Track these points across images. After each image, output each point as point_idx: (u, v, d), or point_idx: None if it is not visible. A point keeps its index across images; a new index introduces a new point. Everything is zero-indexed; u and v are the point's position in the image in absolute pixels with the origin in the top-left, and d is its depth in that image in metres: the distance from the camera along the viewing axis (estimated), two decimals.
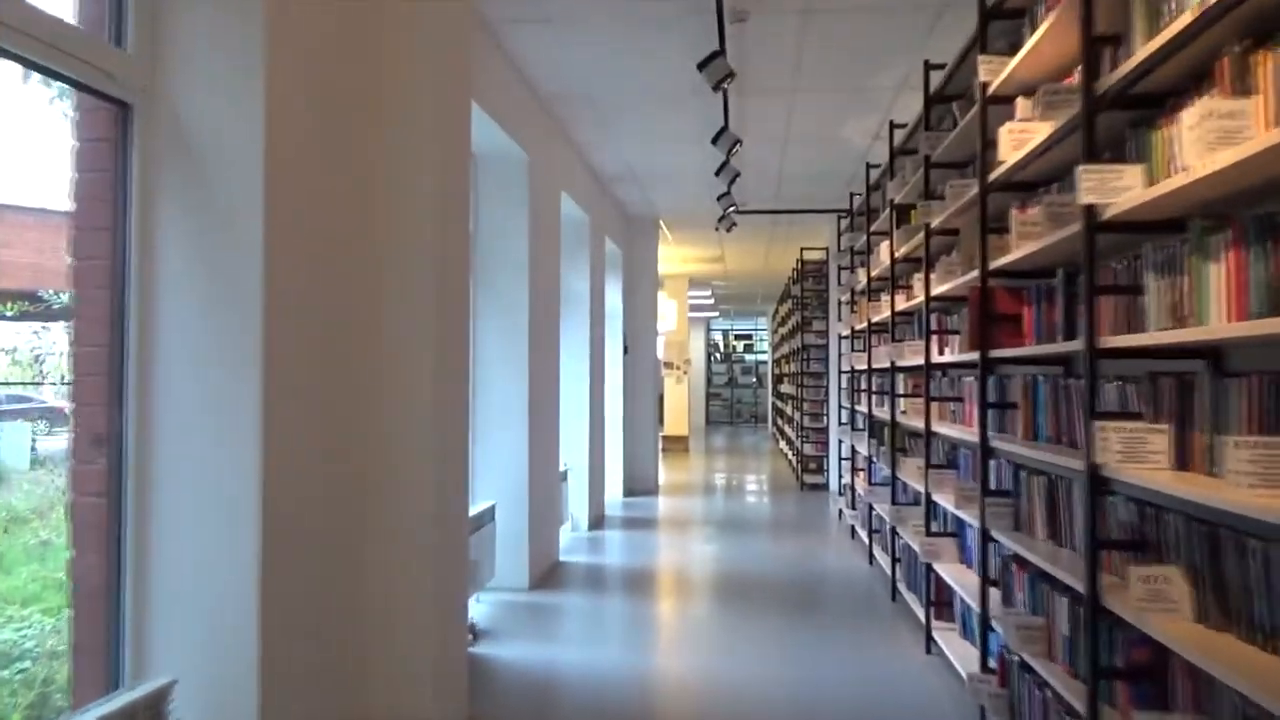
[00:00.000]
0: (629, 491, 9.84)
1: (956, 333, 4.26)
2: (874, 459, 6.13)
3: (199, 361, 2.48)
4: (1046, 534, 2.98)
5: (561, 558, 6.47)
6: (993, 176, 3.28)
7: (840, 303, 8.31)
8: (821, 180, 8.04)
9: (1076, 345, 2.45)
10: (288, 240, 2.63)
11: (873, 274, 6.20)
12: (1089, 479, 2.33)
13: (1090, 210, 2.32)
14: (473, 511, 4.90)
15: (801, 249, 10.59)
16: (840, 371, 8.29)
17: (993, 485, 3.41)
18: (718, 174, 6.35)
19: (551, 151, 6.16)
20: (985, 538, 3.34)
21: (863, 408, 6.87)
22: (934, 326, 4.44)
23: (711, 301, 19.29)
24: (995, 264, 3.27)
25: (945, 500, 4.08)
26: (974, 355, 3.51)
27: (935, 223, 4.23)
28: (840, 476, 8.23)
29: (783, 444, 15.14)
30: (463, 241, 3.76)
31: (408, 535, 3.15)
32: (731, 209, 7.49)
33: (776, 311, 17.48)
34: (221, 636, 2.45)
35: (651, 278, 10.31)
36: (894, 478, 5.31)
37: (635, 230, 10.13)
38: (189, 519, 2.46)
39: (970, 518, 3.60)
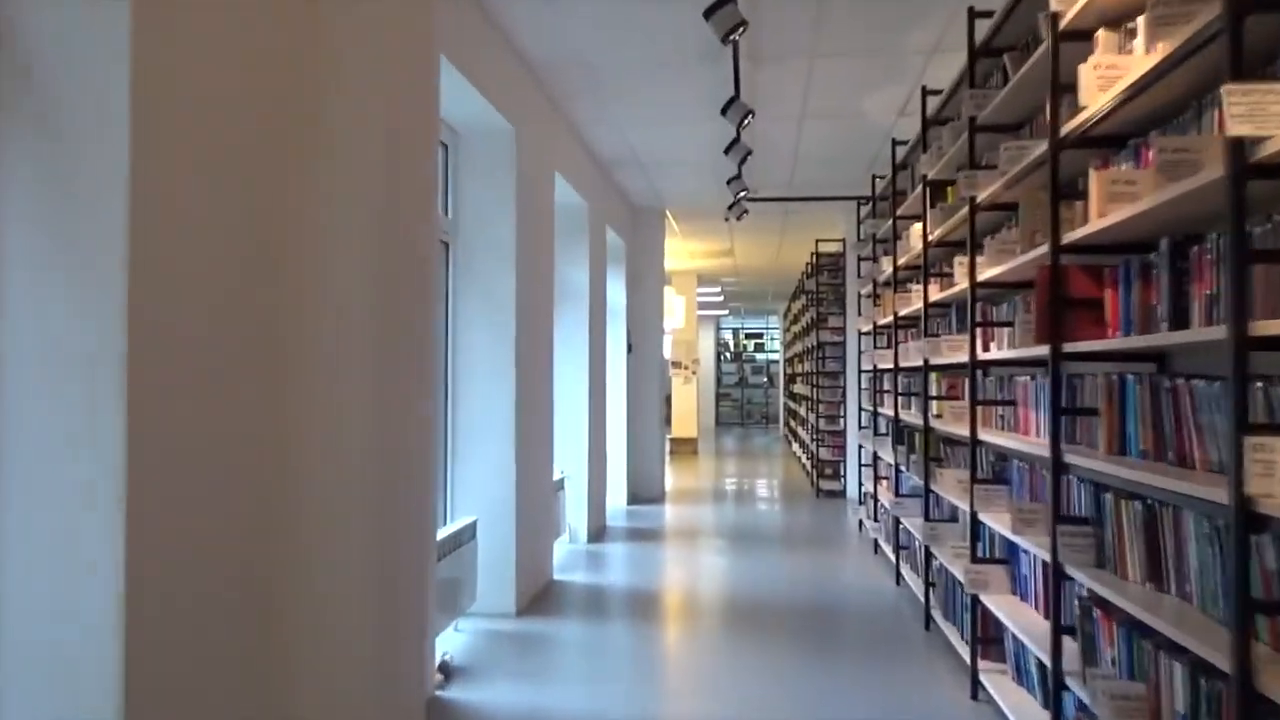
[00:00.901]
0: (634, 499, 9.24)
1: (1007, 324, 3.64)
2: (902, 468, 5.52)
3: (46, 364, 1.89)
4: (1144, 575, 2.37)
5: (556, 575, 5.87)
6: (1068, 129, 2.66)
7: (860, 296, 7.70)
8: (840, 164, 7.42)
9: (1215, 333, 1.83)
10: (167, 218, 2.03)
11: (900, 262, 5.58)
12: (1238, 515, 1.71)
13: (1238, 147, 1.70)
14: (447, 530, 4.31)
15: (816, 240, 9.97)
16: (860, 371, 7.68)
17: (1065, 508, 2.79)
18: (727, 152, 5.74)
19: (542, 126, 5.56)
20: (1058, 575, 2.72)
21: (887, 411, 6.25)
22: (980, 318, 3.82)
23: (721, 299, 18.67)
24: (1070, 238, 2.65)
25: (996, 522, 3.46)
26: (1039, 350, 2.89)
27: (982, 196, 3.61)
28: (860, 484, 7.62)
29: (795, 446, 14.51)
30: (422, 222, 3.16)
31: (337, 568, 2.56)
32: (742, 194, 6.88)
33: (789, 309, 16.85)
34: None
35: (657, 272, 9.71)
36: (927, 491, 4.69)
37: (640, 221, 9.53)
38: (23, 568, 1.87)
39: (1034, 546, 2.98)
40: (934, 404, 4.79)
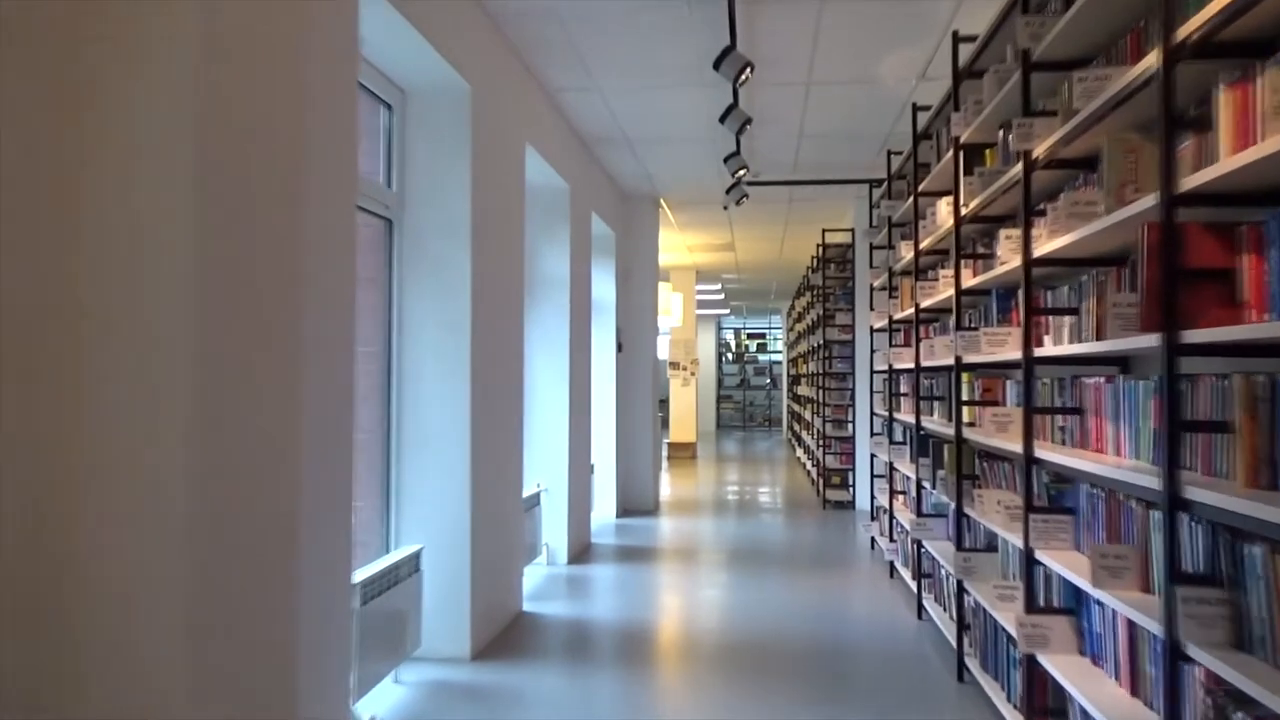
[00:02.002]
0: (624, 511, 8.49)
1: (1069, 312, 2.90)
2: (925, 484, 4.76)
3: None
4: None
5: (527, 606, 5.12)
6: (1185, 33, 1.91)
7: (872, 290, 6.94)
8: (851, 141, 6.66)
9: None
10: None
11: (922, 246, 4.82)
12: None
13: None
14: (384, 564, 3.56)
15: (823, 230, 9.21)
16: (872, 371, 6.92)
17: (1180, 559, 2.03)
18: (723, 119, 4.99)
19: (509, 89, 4.81)
20: (1174, 654, 1.96)
21: (905, 417, 5.49)
22: (1032, 304, 3.06)
23: (722, 297, 17.92)
24: (1190, 184, 1.90)
25: (1059, 562, 2.70)
26: (1142, 341, 2.14)
27: (1041, 149, 2.86)
28: (872, 497, 6.87)
29: (799, 452, 13.75)
30: (341, 186, 2.43)
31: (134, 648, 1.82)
32: (741, 173, 6.13)
33: (792, 307, 16.10)
34: None
35: (651, 265, 8.95)
36: (960, 514, 3.93)
37: (632, 210, 8.78)
38: None
39: (1128, 606, 2.23)
40: (966, 410, 4.03)
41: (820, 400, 9.80)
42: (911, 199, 5.05)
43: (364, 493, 4.20)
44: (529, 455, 6.18)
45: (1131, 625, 2.44)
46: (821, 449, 9.38)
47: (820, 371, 9.73)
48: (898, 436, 5.95)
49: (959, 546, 3.93)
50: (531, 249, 6.25)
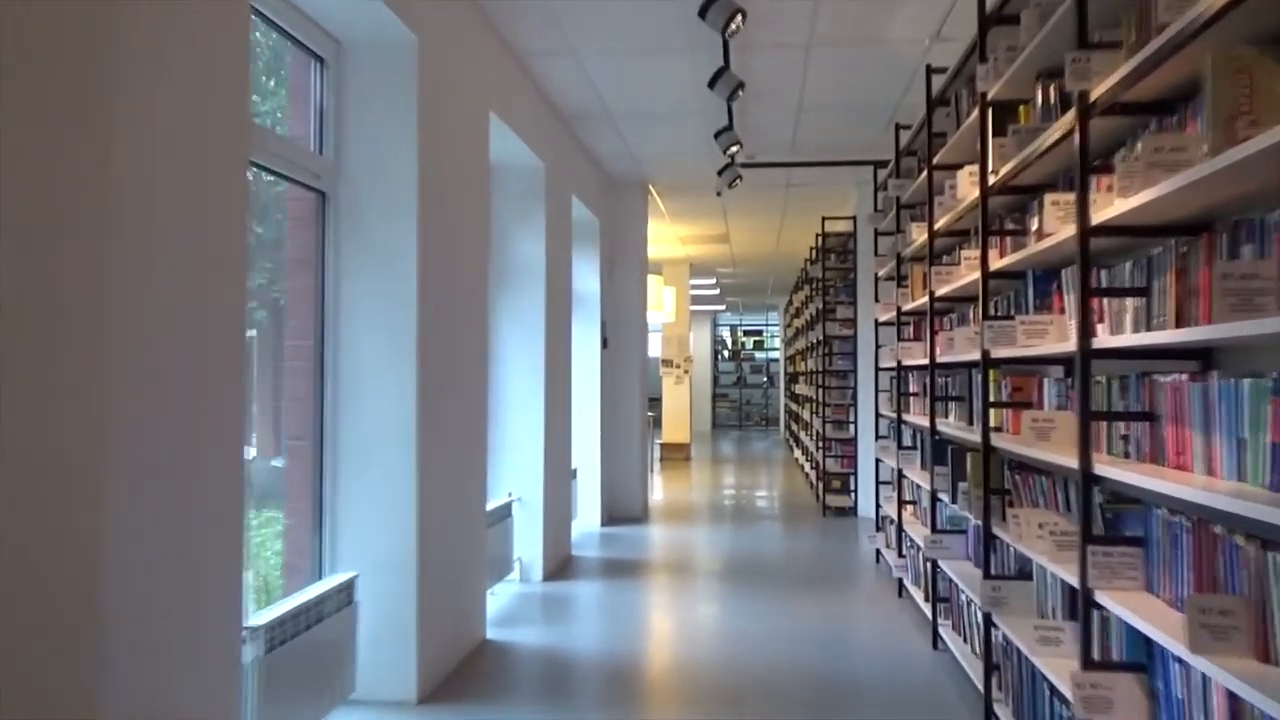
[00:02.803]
0: (610, 519, 7.91)
1: (1137, 292, 2.33)
2: (942, 496, 4.19)
3: None
4: None
5: (491, 634, 4.54)
6: None
7: (877, 280, 6.37)
8: (854, 115, 6.09)
9: None
10: None
11: (938, 225, 4.25)
12: None
13: None
14: (304, 598, 2.98)
15: (823, 218, 8.64)
16: (877, 369, 6.36)
17: None
18: (713, 84, 4.43)
19: (467, 44, 4.23)
20: None
21: (916, 419, 4.93)
22: (1089, 284, 2.49)
23: (717, 292, 17.35)
24: None
25: (1132, 610, 2.13)
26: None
27: (1104, 88, 2.28)
28: (877, 505, 6.30)
29: (797, 453, 13.19)
30: (227, 137, 1.85)
31: None
32: (734, 150, 5.55)
33: (790, 302, 15.53)
34: None
35: (639, 255, 8.38)
36: (988, 536, 3.36)
37: (618, 197, 8.20)
38: None
39: (1238, 682, 1.65)
40: (993, 414, 3.47)
41: (820, 400, 9.23)
42: (925, 174, 4.47)
43: (295, 510, 3.63)
44: (499, 462, 5.61)
45: (1234, 698, 1.87)
46: (821, 451, 8.81)
47: (820, 369, 9.16)
48: (907, 440, 5.39)
49: (986, 573, 3.36)
50: (502, 233, 5.67)
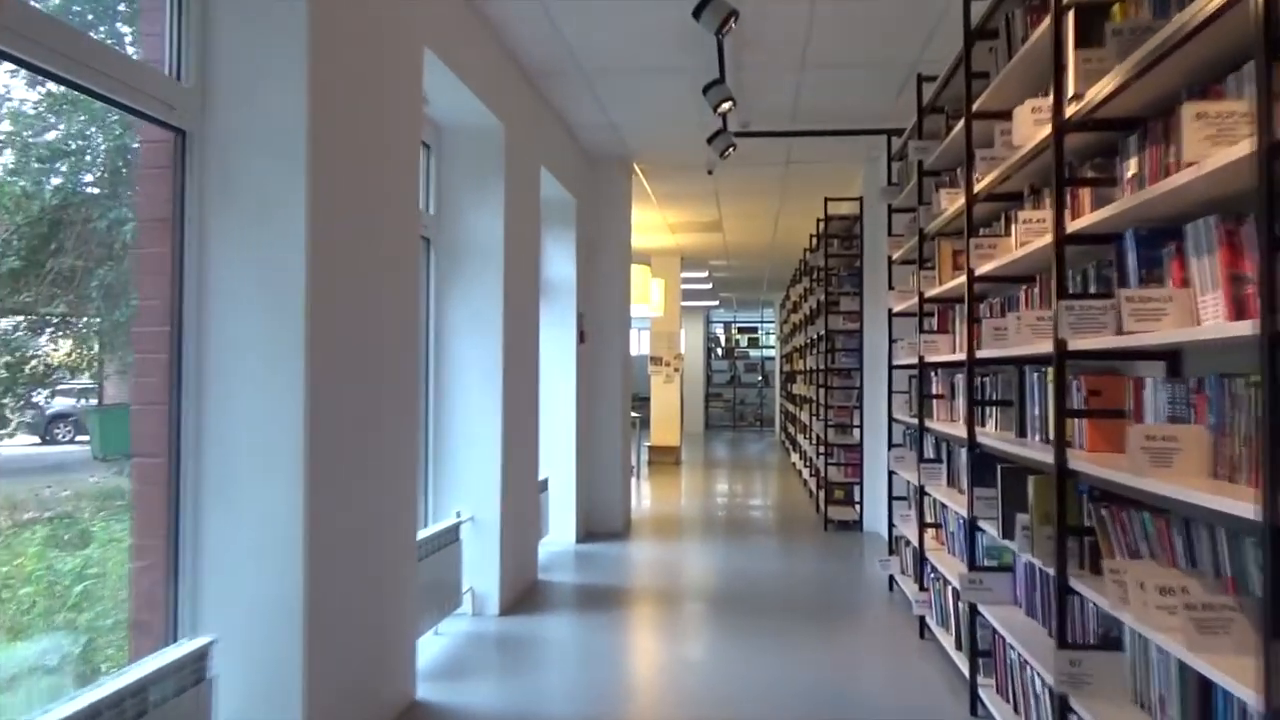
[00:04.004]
0: (588, 534, 7.06)
1: None
2: (985, 527, 3.34)
3: None
4: None
5: (423, 692, 3.68)
6: None
7: (891, 264, 5.53)
8: (867, 72, 5.24)
9: None
10: None
11: (979, 188, 3.40)
12: None
13: None
14: (127, 680, 2.12)
15: (826, 200, 7.79)
16: (891, 366, 5.51)
17: None
18: (698, 14, 3.58)
19: None
20: None
21: (942, 426, 4.08)
22: (1272, 233, 1.63)
23: (710, 287, 16.50)
24: None
25: None
26: None
27: None
28: (890, 524, 5.45)
29: (795, 457, 12.35)
30: None
31: None
32: (727, 106, 4.70)
33: (786, 296, 14.69)
34: None
35: (622, 241, 7.52)
36: (1063, 591, 2.51)
37: (599, 175, 7.34)
38: None
39: None
40: (1070, 425, 2.62)
41: (820, 400, 8.39)
42: (961, 125, 3.62)
43: (146, 548, 2.77)
44: (447, 476, 4.75)
45: None
46: (823, 457, 7.96)
47: (821, 367, 8.32)
48: (930, 452, 4.54)
49: (1062, 640, 2.51)
50: (451, 205, 4.82)
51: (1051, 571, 2.55)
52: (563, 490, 6.73)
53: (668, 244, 11.94)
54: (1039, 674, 2.78)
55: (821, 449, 8.12)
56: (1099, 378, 2.62)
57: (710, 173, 7.43)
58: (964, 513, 3.62)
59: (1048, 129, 2.59)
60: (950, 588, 3.98)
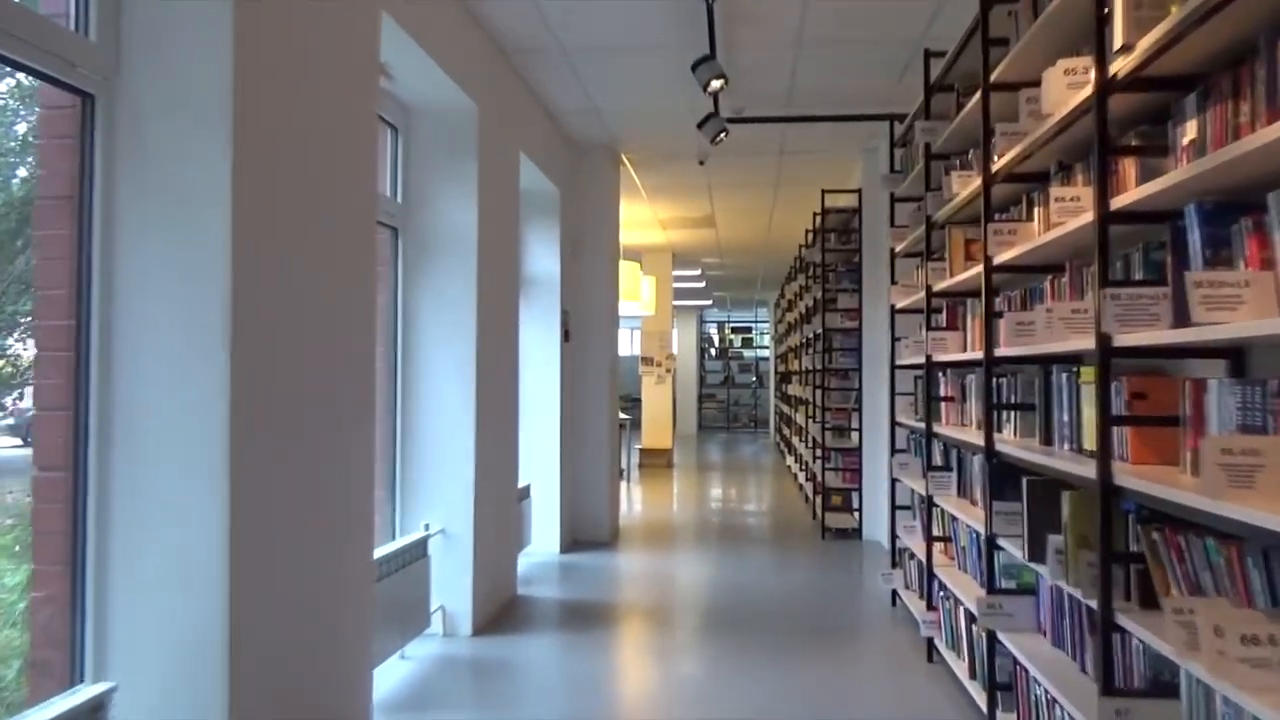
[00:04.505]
0: (573, 544, 6.70)
1: None
2: (1004, 544, 2.99)
3: None
4: None
5: None
6: None
7: (894, 256, 5.18)
8: (868, 50, 4.89)
9: None
10: None
11: (998, 165, 3.05)
12: None
13: None
14: None
15: (823, 192, 7.44)
16: (893, 366, 5.16)
17: None
18: None
19: None
20: None
21: (956, 432, 3.73)
22: None
23: (703, 285, 16.15)
24: None
25: None
26: None
27: None
28: (893, 535, 5.10)
29: (790, 460, 12.01)
30: None
31: None
32: (718, 86, 4.34)
33: (781, 294, 14.35)
34: None
35: (608, 234, 7.17)
36: (1107, 628, 2.15)
37: (583, 164, 6.98)
38: None
39: None
40: (1091, 433, 2.27)
41: (817, 402, 8.05)
42: (976, 99, 3.27)
43: (48, 576, 2.40)
44: (415, 485, 4.40)
45: None
46: (820, 461, 7.61)
47: (818, 367, 7.97)
48: (938, 460, 4.19)
49: (1107, 686, 2.16)
50: (419, 191, 4.46)
51: (1092, 604, 2.20)
52: (546, 498, 6.38)
53: (659, 240, 11.59)
54: (1062, 707, 2.43)
55: (818, 453, 7.77)
56: (1144, 379, 2.27)
57: (702, 163, 7.08)
58: (979, 528, 3.27)
59: (1085, 91, 2.24)
60: (962, 609, 3.64)
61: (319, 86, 2.82)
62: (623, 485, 10.44)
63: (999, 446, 3.10)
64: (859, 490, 7.15)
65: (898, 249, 5.00)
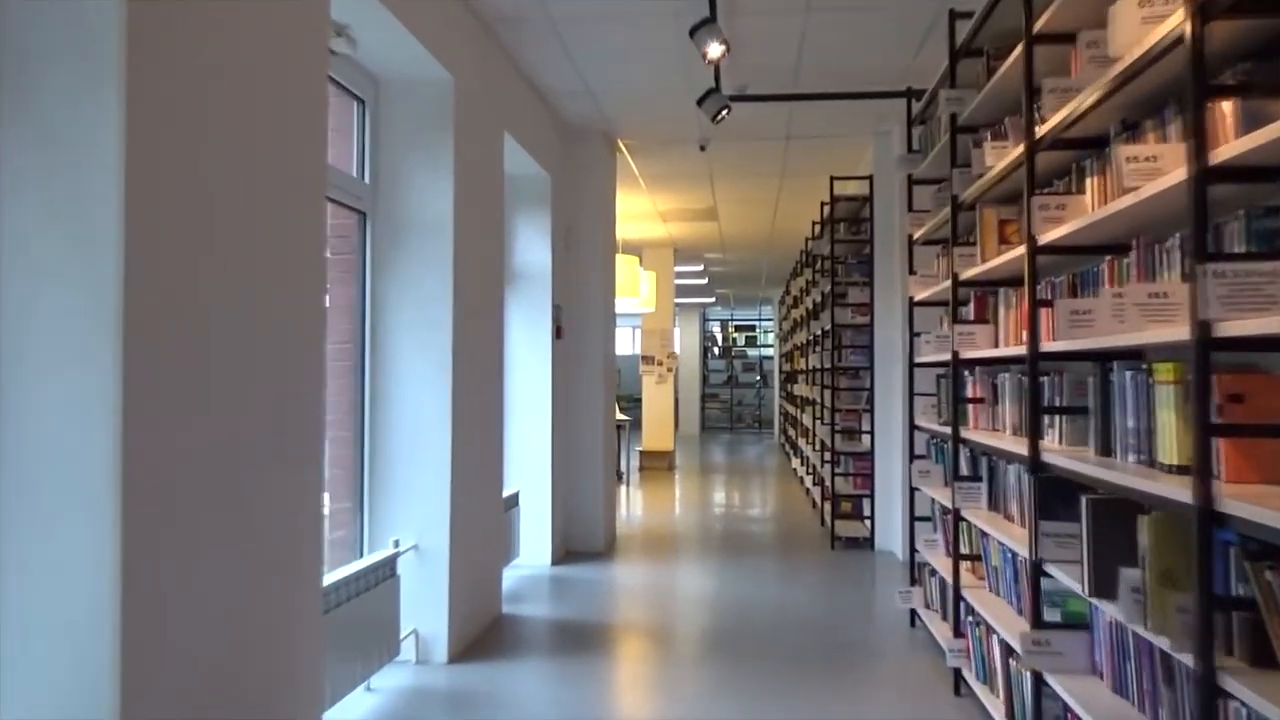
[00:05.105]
0: (565, 555, 6.28)
1: None
2: (1056, 572, 2.56)
3: None
4: None
5: None
6: None
7: (912, 244, 4.74)
8: (882, 18, 4.46)
9: None
10: None
11: (1047, 129, 2.62)
12: None
13: None
14: None
15: (831, 179, 7.00)
16: (912, 364, 4.73)
17: None
18: None
19: None
20: None
21: (987, 438, 3.29)
22: None
23: (705, 282, 15.72)
24: None
25: None
26: None
27: None
28: (913, 549, 4.67)
29: (795, 461, 11.58)
30: None
31: None
32: (718, 50, 3.92)
33: (787, 290, 13.92)
34: None
35: (604, 224, 6.74)
36: (1210, 693, 1.72)
37: (577, 149, 6.55)
38: None
39: None
40: (1171, 446, 1.84)
41: (825, 403, 7.62)
42: (1020, 51, 2.84)
43: None
44: (385, 497, 3.97)
45: None
46: (829, 465, 7.18)
47: (826, 366, 7.54)
48: (965, 469, 3.76)
49: None
50: (389, 172, 4.04)
51: (1185, 658, 1.77)
52: (536, 506, 5.95)
53: (660, 234, 11.17)
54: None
55: (827, 456, 7.34)
56: (1241, 377, 1.84)
57: (703, 148, 6.66)
58: (1019, 549, 2.84)
59: (1170, 24, 1.81)
60: (996, 638, 3.21)
61: (241, 29, 2.39)
62: (622, 489, 10.03)
63: (1045, 457, 2.67)
64: (871, 497, 6.71)
65: (916, 236, 4.56)
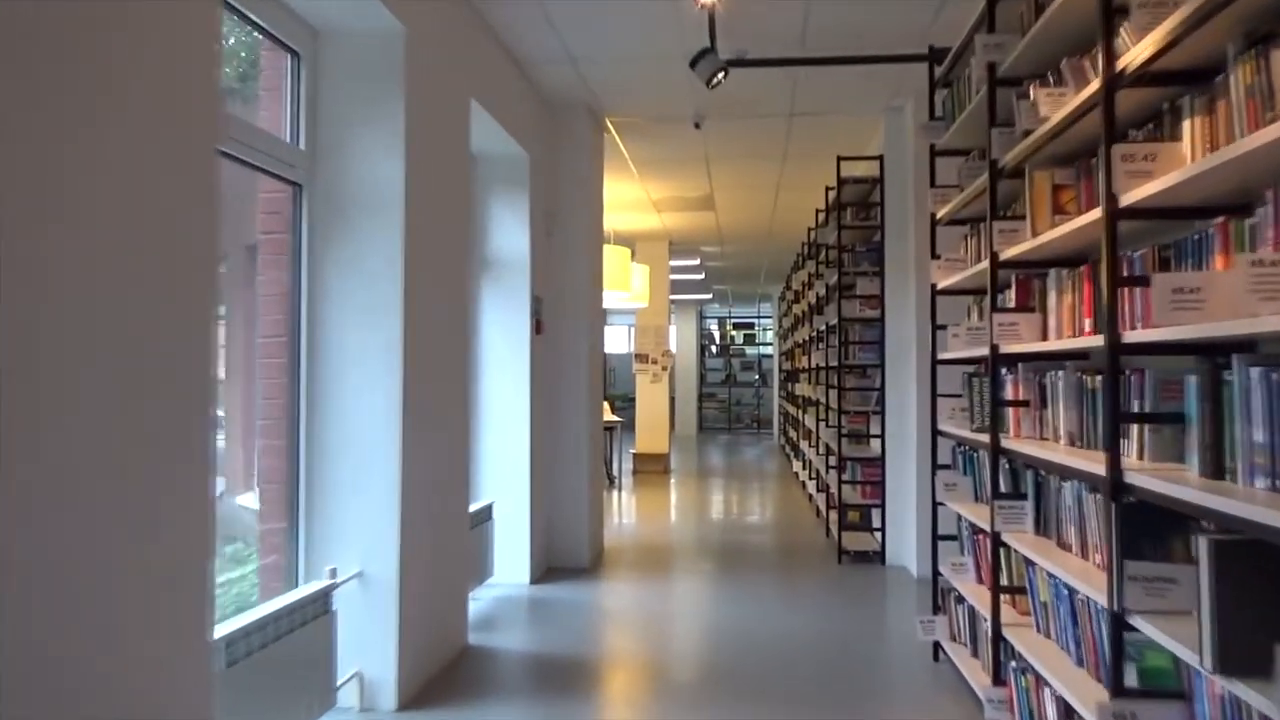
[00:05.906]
0: (546, 572, 5.71)
1: None
2: (1144, 626, 1.99)
3: None
4: None
5: None
6: None
7: (934, 224, 4.16)
8: None
9: None
10: None
11: (1124, 62, 2.05)
12: None
13: None
14: None
15: (839, 159, 6.43)
16: (935, 362, 4.15)
17: None
18: None
19: None
20: None
21: (1036, 449, 2.71)
22: None
23: (702, 277, 15.14)
24: None
25: None
26: None
27: None
28: (936, 573, 4.10)
29: (796, 464, 11.01)
30: None
31: None
32: (712, 4, 3.34)
33: (787, 285, 13.34)
34: None
35: (590, 209, 6.17)
36: None
37: (561, 128, 5.97)
38: None
39: None
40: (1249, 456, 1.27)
41: (830, 403, 7.05)
42: None
43: None
44: (325, 517, 3.40)
45: None
46: (835, 472, 6.61)
47: (831, 364, 6.97)
48: (1004, 485, 3.19)
49: None
50: (328, 137, 3.46)
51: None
52: (514, 519, 5.38)
53: (654, 226, 10.60)
54: None
55: (832, 461, 6.77)
56: None
57: (698, 126, 6.10)
58: (1086, 590, 2.27)
59: None
60: (1049, 691, 2.64)
61: None
62: (613, 495, 9.46)
63: (1129, 478, 2.09)
64: (881, 507, 6.14)
65: (941, 215, 3.99)
